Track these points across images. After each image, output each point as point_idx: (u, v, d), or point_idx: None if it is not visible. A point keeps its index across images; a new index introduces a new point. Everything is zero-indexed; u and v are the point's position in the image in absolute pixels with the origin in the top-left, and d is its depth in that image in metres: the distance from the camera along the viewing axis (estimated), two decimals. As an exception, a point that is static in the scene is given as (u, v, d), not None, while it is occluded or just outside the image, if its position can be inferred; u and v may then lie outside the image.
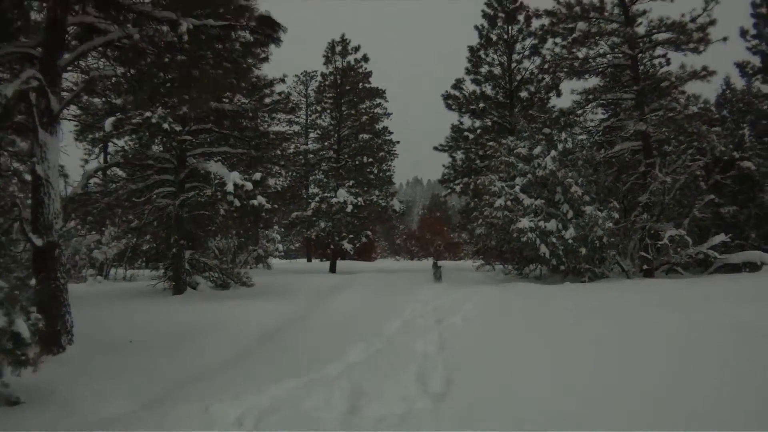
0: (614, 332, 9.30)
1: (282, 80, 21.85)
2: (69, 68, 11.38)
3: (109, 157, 29.70)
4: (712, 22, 22.10)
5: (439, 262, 28.57)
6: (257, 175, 19.65)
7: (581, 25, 23.31)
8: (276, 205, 21.46)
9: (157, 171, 21.02)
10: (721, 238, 21.55)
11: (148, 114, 17.62)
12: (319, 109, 45.99)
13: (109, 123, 17.08)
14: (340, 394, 7.17)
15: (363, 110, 43.21)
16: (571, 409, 5.94)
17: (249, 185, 18.54)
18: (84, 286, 23.70)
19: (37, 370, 7.21)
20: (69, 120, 21.64)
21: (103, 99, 19.21)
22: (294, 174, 45.51)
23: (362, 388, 7.31)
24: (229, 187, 18.14)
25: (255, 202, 18.81)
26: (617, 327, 9.75)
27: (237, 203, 18.46)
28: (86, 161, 37.04)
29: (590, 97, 26.07)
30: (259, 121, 24.45)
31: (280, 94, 22.18)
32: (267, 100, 21.92)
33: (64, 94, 12.46)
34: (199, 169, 19.98)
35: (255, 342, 11.64)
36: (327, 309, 15.90)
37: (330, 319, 13.99)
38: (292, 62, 50.54)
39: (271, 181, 28.50)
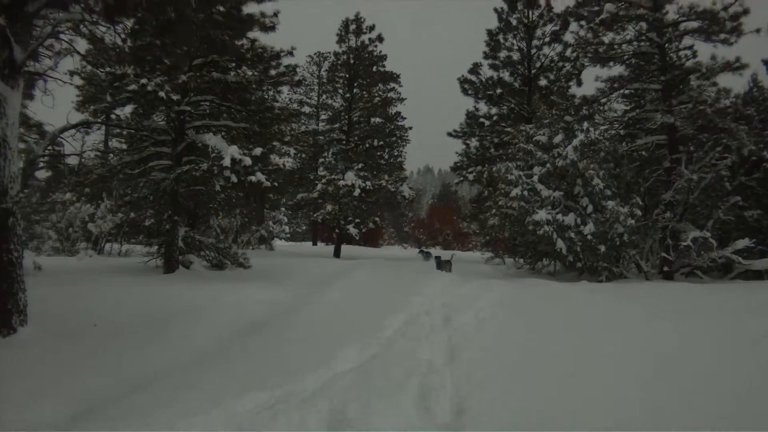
0: (667, 346, 7.91)
1: (290, 53, 20.47)
2: (41, 15, 10.04)
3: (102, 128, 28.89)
4: (746, 12, 20.60)
5: (430, 251, 27.15)
6: (257, 150, 18.50)
7: (609, 7, 21.98)
8: (276, 184, 20.32)
9: (154, 143, 20.02)
10: (744, 242, 20.06)
11: (144, 81, 16.57)
12: (330, 88, 44.74)
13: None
14: (316, 420, 5.80)
15: (376, 93, 42.07)
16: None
17: (248, 160, 17.44)
18: (73, 261, 22.88)
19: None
20: (67, 85, 20.72)
21: (106, 69, 17.96)
22: (303, 155, 44.85)
23: (345, 412, 5.88)
24: (226, 162, 17.07)
25: (254, 179, 17.73)
26: (671, 341, 8.32)
27: (234, 179, 17.33)
28: (87, 132, 36.42)
29: (615, 85, 24.60)
30: (264, 95, 23.40)
31: (287, 66, 20.92)
32: (272, 72, 20.65)
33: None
34: (196, 142, 18.87)
35: (236, 335, 10.19)
36: (323, 299, 14.21)
37: (324, 311, 12.39)
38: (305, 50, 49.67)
39: (278, 161, 27.64)
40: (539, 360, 7.68)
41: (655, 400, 5.85)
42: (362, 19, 41.21)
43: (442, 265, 23.81)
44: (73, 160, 27.95)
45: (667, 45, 22.51)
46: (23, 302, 9.22)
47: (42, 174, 44.02)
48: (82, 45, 12.79)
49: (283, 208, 45.33)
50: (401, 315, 11.67)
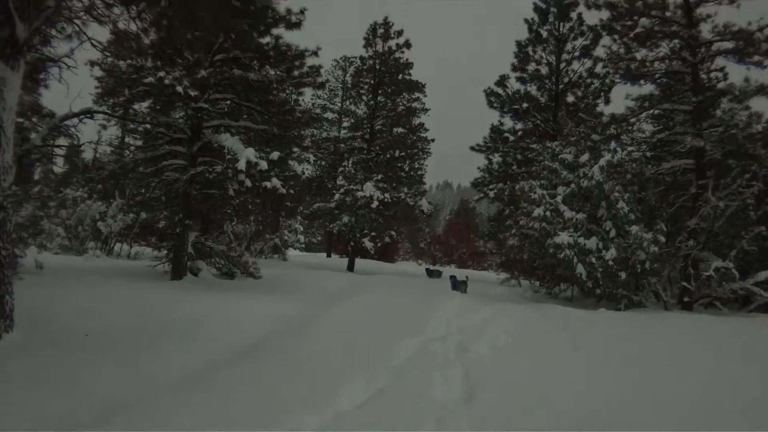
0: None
1: (315, 53, 19.81)
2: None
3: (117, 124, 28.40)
4: (782, 33, 19.95)
5: (440, 270, 26.15)
6: (275, 155, 17.78)
7: (644, 21, 21.32)
8: (292, 191, 19.68)
9: (169, 141, 19.43)
10: (766, 274, 19.42)
11: (161, 74, 15.94)
12: (354, 94, 43.99)
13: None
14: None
15: (400, 102, 41.38)
16: None
17: (264, 164, 16.81)
18: (80, 260, 22.40)
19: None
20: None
21: (128, 61, 17.41)
22: (323, 163, 44.38)
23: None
24: (241, 165, 16.47)
25: (268, 185, 17.12)
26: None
27: (248, 183, 16.67)
28: (104, 127, 36.11)
29: (645, 104, 23.87)
30: (287, 96, 22.78)
31: (310, 67, 20.24)
32: (295, 72, 19.97)
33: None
34: (212, 142, 18.23)
35: (231, 356, 9.36)
36: (330, 318, 13.34)
37: (330, 333, 11.54)
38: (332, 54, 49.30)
39: (297, 168, 27.04)
40: (565, 404, 6.92)
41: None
42: (390, 24, 40.37)
43: (458, 285, 22.96)
44: (89, 155, 27.57)
45: (699, 65, 21.80)
46: (10, 306, 8.64)
47: (59, 169, 43.78)
48: (102, 33, 12.27)
49: (299, 217, 44.79)
50: (413, 341, 10.84)
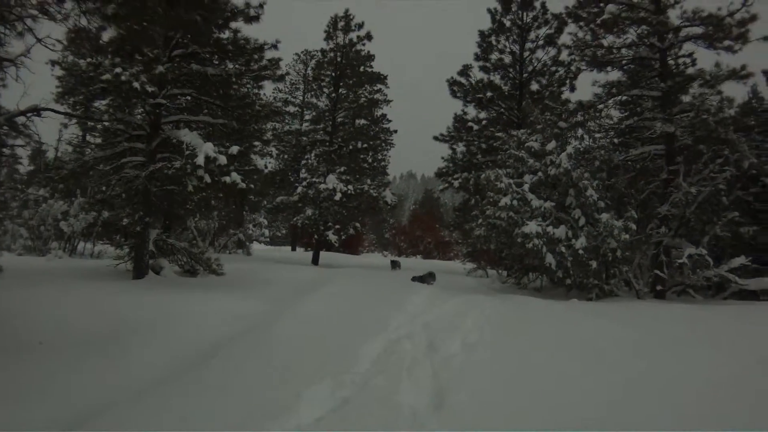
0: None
1: (274, 46, 19.45)
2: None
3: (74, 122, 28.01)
4: (753, 18, 19.82)
5: (398, 260, 25.79)
6: (234, 149, 17.35)
7: (611, 8, 21.20)
8: (253, 185, 19.44)
9: (128, 138, 18.98)
10: (741, 260, 19.45)
11: (118, 70, 15.56)
12: (315, 87, 43.58)
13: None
14: None
15: (362, 94, 41.07)
16: None
17: (223, 159, 16.42)
18: (42, 261, 22.29)
19: None
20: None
21: (87, 59, 17.07)
22: (285, 156, 44.11)
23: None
24: (200, 160, 16.03)
25: (228, 179, 16.69)
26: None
27: (208, 179, 16.28)
28: (65, 125, 35.68)
29: (614, 90, 23.66)
30: (246, 90, 22.49)
31: (270, 60, 19.91)
32: (254, 66, 19.64)
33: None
34: (171, 138, 17.87)
35: (189, 360, 8.99)
36: (293, 315, 12.75)
37: (293, 333, 10.87)
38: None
39: (259, 162, 26.73)
40: (546, 407, 6.63)
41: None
42: (351, 17, 40.05)
43: (424, 278, 22.74)
44: (52, 155, 27.25)
45: (667, 51, 21.71)
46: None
47: (24, 169, 43.31)
48: (59, 31, 11.97)
49: (263, 211, 44.47)
50: (379, 339, 10.37)
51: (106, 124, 20.15)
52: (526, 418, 6.29)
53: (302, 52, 50.81)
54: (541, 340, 10.24)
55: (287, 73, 26.93)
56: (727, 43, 20.44)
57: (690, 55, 22.96)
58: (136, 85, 15.80)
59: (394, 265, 34.24)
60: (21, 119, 12.57)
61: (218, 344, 9.93)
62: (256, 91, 24.41)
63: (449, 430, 6.12)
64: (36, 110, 12.54)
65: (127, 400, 6.99)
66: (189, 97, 19.98)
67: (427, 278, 22.68)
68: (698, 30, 20.87)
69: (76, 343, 9.13)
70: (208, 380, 7.78)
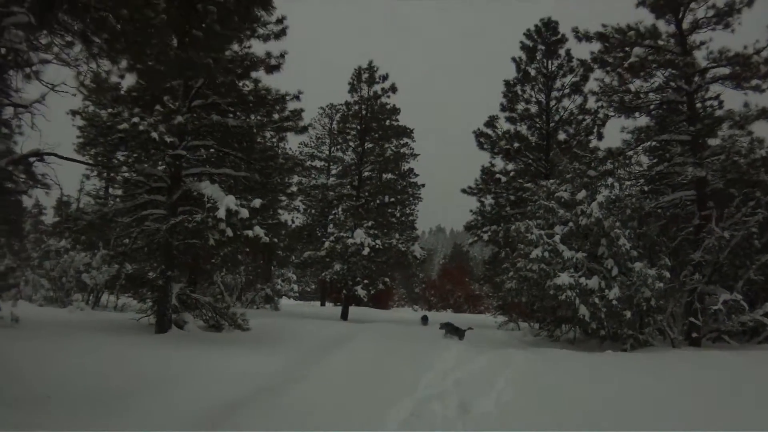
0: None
1: (296, 96, 19.23)
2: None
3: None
4: (782, 55, 19.55)
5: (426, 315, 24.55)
6: (256, 202, 17.08)
7: (637, 51, 20.85)
8: (276, 239, 19.15)
9: (148, 190, 18.81)
10: (775, 304, 19.05)
11: (135, 120, 15.31)
12: (341, 140, 43.40)
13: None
14: None
15: (388, 148, 40.80)
16: None
17: (245, 212, 16.06)
18: (63, 313, 22.18)
19: None
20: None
21: (108, 110, 16.92)
22: (313, 211, 43.99)
23: None
24: (221, 213, 15.68)
25: (250, 233, 16.32)
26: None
27: (230, 233, 15.91)
28: (87, 177, 35.79)
29: (642, 136, 23.34)
30: (268, 143, 22.28)
31: (292, 111, 19.66)
32: (276, 116, 19.38)
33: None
34: (192, 191, 17.56)
35: (200, 422, 8.30)
36: (316, 374, 12.22)
37: (314, 394, 10.21)
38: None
39: (286, 217, 26.52)
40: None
41: None
42: (375, 68, 39.44)
43: (456, 332, 22.07)
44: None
45: (695, 93, 21.39)
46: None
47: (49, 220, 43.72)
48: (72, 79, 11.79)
49: (291, 266, 44.20)
50: (407, 401, 9.71)
51: (126, 175, 20.02)
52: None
53: (327, 105, 50.97)
54: (579, 399, 9.64)
55: (310, 125, 26.91)
56: (754, 82, 20.25)
57: (717, 97, 22.57)
58: (154, 135, 15.63)
59: (424, 320, 33.67)
60: (41, 167, 12.39)
61: (227, 405, 9.30)
62: (279, 143, 24.18)
63: None
64: (39, 154, 12.25)
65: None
66: (211, 150, 19.83)
67: (456, 331, 21.96)
68: (725, 70, 20.62)
69: (78, 402, 8.68)
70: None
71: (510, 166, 36.04)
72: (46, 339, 13.41)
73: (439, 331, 22.65)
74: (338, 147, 44.77)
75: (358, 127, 40.30)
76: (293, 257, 42.80)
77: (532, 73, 35.06)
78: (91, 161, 20.52)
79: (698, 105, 22.01)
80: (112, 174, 25.95)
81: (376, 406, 9.21)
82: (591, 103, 32.78)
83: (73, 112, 17.30)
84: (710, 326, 19.87)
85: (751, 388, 10.66)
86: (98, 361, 11.58)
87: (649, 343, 19.10)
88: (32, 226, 47.98)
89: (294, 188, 30.35)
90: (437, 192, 63.27)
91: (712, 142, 21.66)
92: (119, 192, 25.02)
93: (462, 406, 9.44)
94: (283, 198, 34.01)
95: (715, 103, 22.72)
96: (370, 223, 35.54)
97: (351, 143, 41.81)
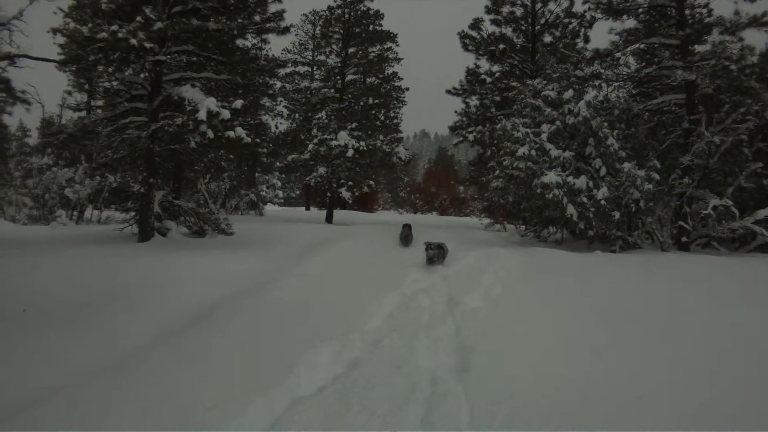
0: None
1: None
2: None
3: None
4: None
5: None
6: (238, 103, 16.85)
7: (626, -50, 20.37)
8: (258, 140, 18.86)
9: (129, 98, 18.50)
10: (766, 212, 19.00)
11: (114, 28, 14.89)
12: (324, 44, 42.84)
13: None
14: None
15: (371, 51, 40.63)
16: None
17: (226, 113, 15.79)
18: (46, 230, 21.79)
19: None
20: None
21: (89, 25, 16.45)
22: (297, 115, 43.72)
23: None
24: (201, 115, 15.43)
25: (232, 134, 16.07)
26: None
27: (211, 134, 15.68)
28: (69, 93, 35.31)
29: (631, 38, 22.90)
30: (249, 45, 21.88)
31: (273, 13, 19.22)
32: (257, 18, 18.94)
33: None
34: (173, 96, 17.25)
35: (185, 322, 8.29)
36: (300, 272, 12.27)
37: (299, 290, 10.18)
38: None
39: (270, 123, 26.22)
40: (579, 370, 5.91)
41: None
42: (356, -26, 39.28)
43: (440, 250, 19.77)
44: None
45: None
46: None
47: (34, 141, 43.36)
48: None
49: (276, 172, 44.03)
50: (393, 295, 9.70)
51: (106, 84, 19.61)
52: (563, 386, 5.57)
53: (310, 12, 50.22)
54: (569, 295, 9.52)
55: (292, 25, 25.97)
56: (745, -10, 19.83)
57: (706, 5, 22.15)
58: (133, 41, 15.17)
59: (406, 240, 32.75)
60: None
61: (213, 303, 9.42)
62: (259, 45, 23.76)
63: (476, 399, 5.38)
64: (9, 57, 11.95)
65: (106, 369, 6.42)
66: (193, 58, 19.46)
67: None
68: (716, -24, 20.15)
69: (63, 311, 8.63)
70: (192, 347, 7.10)
71: (495, 68, 35.78)
72: (28, 255, 13.23)
73: (428, 232, 21.70)
74: (321, 51, 44.29)
75: (341, 31, 40.05)
76: (277, 163, 42.66)
77: (519, -26, 34.42)
78: (62, 60, 19.95)
79: (687, 12, 21.67)
80: (92, 87, 25.54)
81: (363, 300, 9.17)
82: (578, 7, 32.90)
83: (54, 30, 16.90)
84: (700, 231, 19.97)
85: (745, 283, 10.65)
86: (79, 272, 11.45)
87: (638, 245, 19.30)
88: (17, 149, 47.47)
89: (276, 89, 29.82)
90: (422, 95, 62.87)
91: (702, 49, 21.33)
92: (100, 103, 24.55)
93: (450, 300, 9.53)
94: (266, 101, 33.59)
95: (704, 11, 22.43)
96: (354, 125, 35.20)
97: (334, 47, 41.44)
